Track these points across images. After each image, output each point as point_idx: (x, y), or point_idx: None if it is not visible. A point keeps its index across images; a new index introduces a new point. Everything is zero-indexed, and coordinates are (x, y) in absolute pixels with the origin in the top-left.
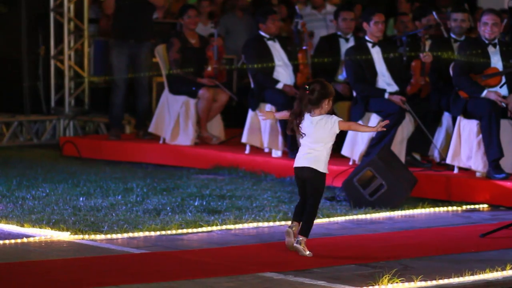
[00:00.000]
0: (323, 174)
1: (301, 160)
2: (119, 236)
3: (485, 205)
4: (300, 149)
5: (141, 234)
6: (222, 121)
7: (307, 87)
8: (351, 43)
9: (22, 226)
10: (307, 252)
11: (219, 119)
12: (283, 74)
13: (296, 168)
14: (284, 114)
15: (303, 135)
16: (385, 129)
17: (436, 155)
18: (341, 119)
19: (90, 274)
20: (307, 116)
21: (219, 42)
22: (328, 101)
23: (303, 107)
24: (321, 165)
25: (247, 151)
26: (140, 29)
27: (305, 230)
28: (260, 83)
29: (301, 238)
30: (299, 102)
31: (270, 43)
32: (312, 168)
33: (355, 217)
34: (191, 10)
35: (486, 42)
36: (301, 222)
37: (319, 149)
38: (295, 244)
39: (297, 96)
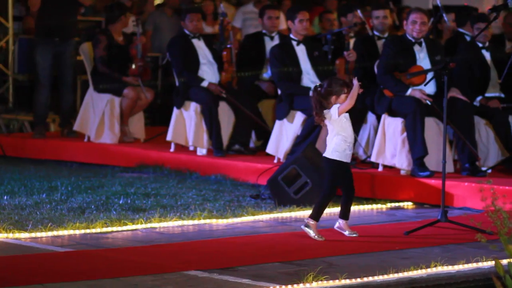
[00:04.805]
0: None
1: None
2: (43, 234)
3: (410, 203)
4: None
5: (65, 232)
6: (144, 119)
7: (317, 85)
8: (276, 41)
9: None
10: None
11: (141, 117)
12: (208, 72)
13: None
14: None
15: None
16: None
17: (360, 153)
18: (339, 104)
19: (14, 272)
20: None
21: (142, 40)
22: (336, 97)
23: (318, 104)
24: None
25: (172, 149)
26: (65, 27)
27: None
28: (185, 81)
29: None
30: (314, 99)
31: (194, 41)
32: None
33: (280, 215)
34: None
35: (413, 40)
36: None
37: (330, 140)
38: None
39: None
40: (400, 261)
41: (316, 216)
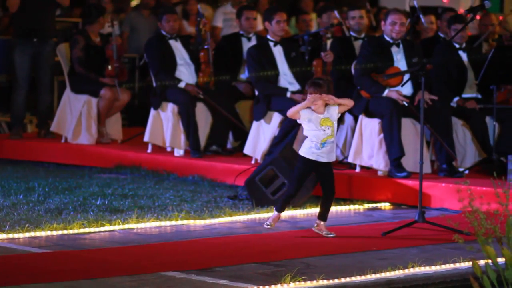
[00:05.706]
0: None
1: None
2: (20, 235)
3: (387, 204)
4: None
5: (43, 233)
6: (121, 120)
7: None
8: (253, 42)
9: None
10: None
11: (118, 118)
12: (185, 73)
13: None
14: None
15: None
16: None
17: (338, 153)
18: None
19: None
20: None
21: (118, 41)
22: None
23: None
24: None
25: (149, 150)
26: (43, 28)
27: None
28: (162, 82)
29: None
30: None
31: (171, 42)
32: None
33: (257, 216)
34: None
35: (391, 41)
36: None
37: None
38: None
39: None
40: (377, 261)
41: (280, 209)
